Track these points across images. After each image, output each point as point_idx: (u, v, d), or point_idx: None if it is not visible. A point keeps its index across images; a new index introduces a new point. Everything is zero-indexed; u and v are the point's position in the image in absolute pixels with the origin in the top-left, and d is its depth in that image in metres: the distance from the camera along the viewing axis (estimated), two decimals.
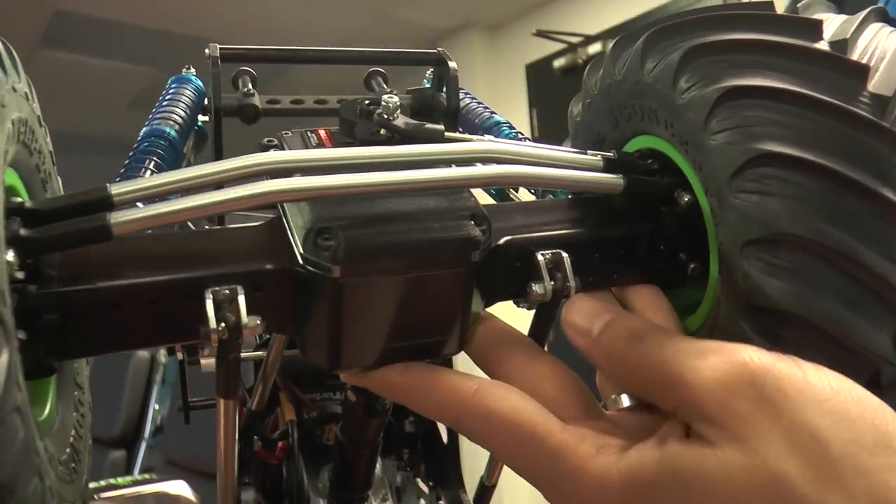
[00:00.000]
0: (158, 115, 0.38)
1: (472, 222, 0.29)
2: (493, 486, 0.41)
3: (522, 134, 0.41)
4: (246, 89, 0.41)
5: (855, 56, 0.32)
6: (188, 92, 0.41)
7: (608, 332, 0.30)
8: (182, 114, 0.39)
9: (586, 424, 0.29)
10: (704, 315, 0.33)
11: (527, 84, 3.61)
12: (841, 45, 0.31)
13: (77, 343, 0.27)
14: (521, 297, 0.32)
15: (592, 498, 0.27)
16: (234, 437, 0.31)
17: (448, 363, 0.36)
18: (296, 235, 0.28)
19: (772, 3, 0.33)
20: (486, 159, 0.31)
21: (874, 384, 0.30)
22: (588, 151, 0.34)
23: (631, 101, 0.34)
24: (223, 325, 0.26)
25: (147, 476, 1.61)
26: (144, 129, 0.37)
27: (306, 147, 0.34)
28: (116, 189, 0.26)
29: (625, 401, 0.31)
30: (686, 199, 0.32)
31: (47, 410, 0.28)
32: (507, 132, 0.41)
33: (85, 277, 0.26)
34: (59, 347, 0.26)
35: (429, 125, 0.32)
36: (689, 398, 0.26)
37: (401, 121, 0.32)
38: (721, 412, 0.25)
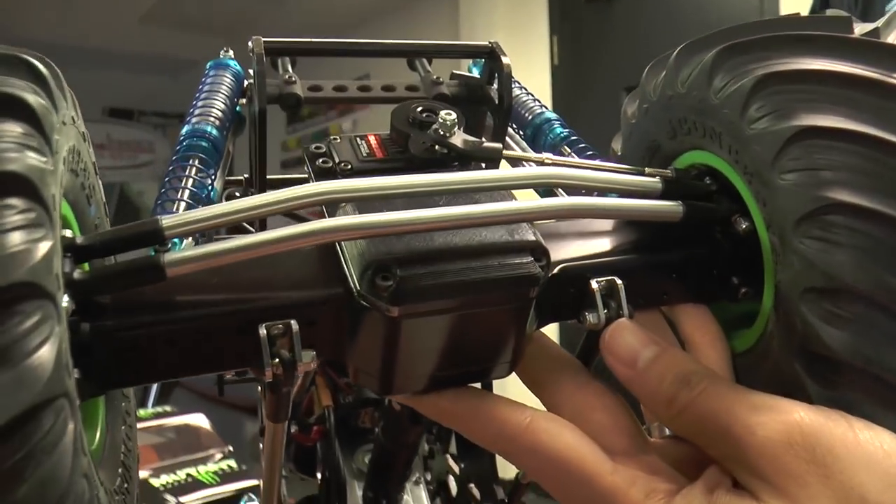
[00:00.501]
0: (198, 111, 0.37)
1: (532, 258, 0.28)
2: (529, 484, 0.42)
3: (574, 133, 0.39)
4: (287, 76, 0.39)
5: None
6: (227, 80, 0.40)
7: (654, 368, 0.29)
8: (222, 106, 0.38)
9: (635, 462, 0.29)
10: (754, 340, 0.33)
11: (548, 10, 3.52)
12: None
13: (129, 375, 0.27)
14: (573, 319, 0.31)
15: None
16: (280, 457, 0.32)
17: None
18: (352, 269, 0.27)
19: (850, 19, 0.31)
20: (551, 184, 0.30)
21: None
22: (646, 170, 0.33)
23: (693, 116, 0.33)
24: (277, 360, 0.26)
25: (167, 409, 1.65)
26: (185, 127, 0.36)
27: (356, 155, 0.33)
28: (167, 222, 0.26)
29: (668, 431, 0.31)
30: (744, 227, 0.31)
31: (98, 435, 0.28)
32: (558, 131, 0.40)
33: (137, 313, 0.26)
34: (111, 380, 0.26)
35: (487, 144, 0.31)
36: (740, 454, 0.26)
37: (458, 138, 0.31)
38: (773, 471, 0.25)
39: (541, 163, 0.33)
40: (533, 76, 3.61)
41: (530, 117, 0.41)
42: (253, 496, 0.65)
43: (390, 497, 0.44)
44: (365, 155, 0.33)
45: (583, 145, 0.39)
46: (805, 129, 0.28)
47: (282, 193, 0.27)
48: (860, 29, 0.32)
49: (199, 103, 0.38)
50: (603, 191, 0.32)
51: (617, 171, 0.33)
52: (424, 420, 0.37)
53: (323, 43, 0.37)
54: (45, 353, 0.19)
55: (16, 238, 0.20)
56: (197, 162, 0.34)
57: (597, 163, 0.35)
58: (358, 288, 0.27)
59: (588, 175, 0.31)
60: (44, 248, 0.20)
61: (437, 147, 0.31)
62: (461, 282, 0.27)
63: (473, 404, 0.30)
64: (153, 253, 0.27)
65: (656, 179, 0.32)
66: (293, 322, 0.26)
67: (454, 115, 0.31)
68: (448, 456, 0.51)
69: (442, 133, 0.31)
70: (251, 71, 0.40)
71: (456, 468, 0.49)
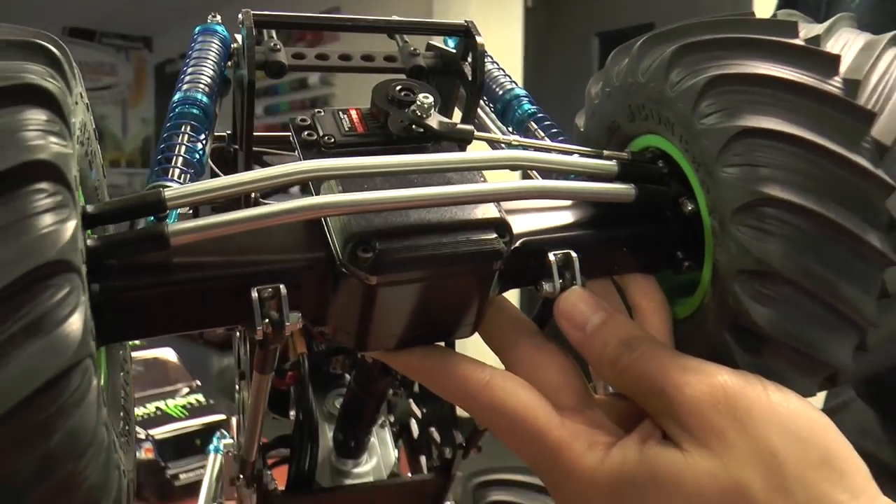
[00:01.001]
0: (188, 77, 0.39)
1: (496, 234, 0.31)
2: (485, 430, 0.46)
3: (540, 110, 0.42)
4: (272, 44, 0.41)
5: (866, 95, 0.33)
6: (215, 45, 0.41)
7: (601, 332, 0.33)
8: (210, 73, 0.40)
9: (581, 417, 0.32)
10: (693, 309, 0.36)
11: None
12: (853, 86, 0.32)
13: (131, 330, 0.30)
14: (531, 286, 0.35)
15: (583, 489, 0.31)
16: (264, 404, 0.35)
17: None
18: (335, 240, 0.30)
19: (796, 24, 0.34)
20: (517, 166, 0.33)
21: (831, 381, 0.35)
22: (604, 153, 0.36)
23: (650, 105, 0.36)
24: (267, 320, 0.29)
25: (136, 343, 1.67)
26: (177, 94, 0.38)
27: (338, 128, 0.35)
28: (169, 194, 0.28)
29: (612, 388, 0.35)
30: (690, 209, 0.35)
31: (102, 383, 0.31)
32: (526, 107, 0.42)
33: (141, 276, 0.29)
34: (115, 334, 0.29)
35: (460, 126, 0.34)
36: (671, 410, 0.30)
37: (434, 119, 0.34)
38: (698, 426, 0.29)
39: (509, 144, 0.36)
40: (506, 19, 3.58)
41: (501, 92, 0.44)
42: (225, 433, 0.68)
43: (358, 439, 0.48)
44: (347, 129, 0.35)
45: (548, 122, 0.42)
46: (747, 129, 0.31)
47: (276, 170, 0.29)
48: (805, 32, 0.35)
49: (189, 69, 0.39)
50: (564, 173, 0.35)
51: (578, 153, 0.36)
52: (393, 371, 0.41)
53: (308, 17, 0.39)
54: (75, 322, 0.22)
55: (47, 220, 0.22)
56: (189, 129, 0.37)
57: (560, 145, 0.38)
58: (340, 258, 0.30)
59: (551, 158, 0.34)
60: (70, 227, 0.23)
61: (413, 126, 0.34)
62: (433, 255, 0.30)
63: (439, 362, 0.33)
64: (151, 220, 0.29)
65: (613, 163, 0.35)
66: (282, 286, 0.29)
67: (431, 98, 0.34)
68: (410, 400, 0.55)
69: (419, 114, 0.34)
70: (237, 36, 0.42)
71: (418, 412, 0.53)
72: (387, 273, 0.29)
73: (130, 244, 0.27)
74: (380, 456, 0.50)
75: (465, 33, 0.41)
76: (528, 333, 0.35)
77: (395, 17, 0.41)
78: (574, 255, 0.34)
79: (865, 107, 0.32)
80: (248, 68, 0.36)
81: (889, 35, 0.36)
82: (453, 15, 3.62)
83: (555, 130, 0.41)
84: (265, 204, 0.29)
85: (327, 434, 0.49)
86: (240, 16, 0.38)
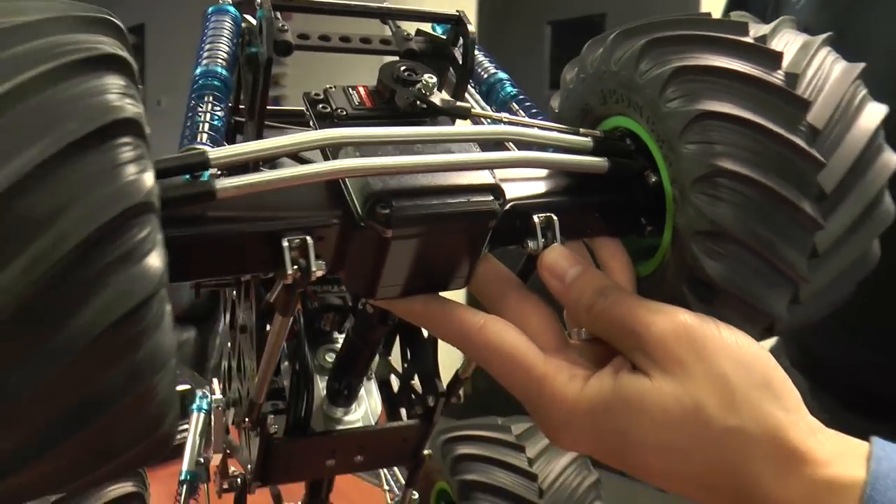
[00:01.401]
0: (206, 53, 0.43)
1: (492, 197, 0.36)
2: (467, 379, 0.51)
3: (522, 92, 0.47)
4: (280, 24, 0.45)
5: (803, 87, 0.39)
6: (227, 24, 0.45)
7: (578, 282, 0.39)
8: (226, 49, 0.44)
9: (562, 356, 0.38)
10: (654, 267, 0.42)
11: None
12: (792, 79, 0.38)
13: (177, 273, 0.34)
14: (517, 245, 0.40)
15: (566, 415, 0.36)
16: (281, 345, 0.39)
17: None
18: (354, 198, 0.35)
19: (746, 25, 0.40)
20: (506, 139, 0.38)
21: (769, 331, 0.41)
22: (580, 130, 0.42)
23: (621, 90, 0.41)
24: (296, 267, 0.33)
25: None
26: (198, 68, 0.41)
27: (349, 103, 0.40)
28: (213, 154, 0.32)
29: (584, 334, 0.41)
30: (653, 180, 0.40)
31: None
32: (508, 89, 0.47)
33: (188, 225, 0.33)
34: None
35: (459, 104, 0.39)
36: (639, 345, 0.36)
37: (436, 97, 0.38)
38: (663, 357, 0.35)
39: (499, 121, 0.41)
40: (460, 4, 3.62)
41: (485, 76, 0.49)
42: (206, 392, 0.72)
43: (352, 387, 0.53)
44: (357, 104, 0.40)
45: (528, 103, 0.47)
46: (705, 112, 0.36)
47: (307, 136, 0.34)
48: (754, 31, 0.41)
49: (206, 46, 0.43)
50: (546, 147, 0.40)
51: (558, 130, 0.42)
52: (391, 321, 0.45)
53: (315, 3, 0.43)
54: (156, 256, 0.26)
55: (132, 169, 0.26)
56: (212, 99, 0.41)
57: (543, 122, 0.43)
58: (360, 213, 0.34)
59: (536, 133, 0.39)
60: (150, 176, 0.27)
61: (418, 102, 0.39)
62: (439, 213, 0.35)
63: (440, 308, 0.38)
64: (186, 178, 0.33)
65: (588, 139, 0.40)
66: (308, 237, 0.34)
67: (435, 79, 0.38)
68: (389, 359, 0.60)
69: (424, 92, 0.38)
70: (248, 17, 0.46)
71: (399, 369, 0.58)
72: (400, 227, 0.34)
73: (186, 197, 0.32)
74: (367, 405, 0.55)
75: (458, 22, 0.45)
76: (514, 286, 0.40)
77: (389, 5, 0.45)
78: (555, 217, 0.39)
79: (802, 96, 0.38)
80: (267, 46, 0.40)
81: (823, 36, 0.42)
82: None
83: (535, 111, 0.46)
84: (293, 165, 0.34)
85: (319, 384, 0.53)
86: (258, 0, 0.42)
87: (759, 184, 0.36)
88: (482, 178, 0.37)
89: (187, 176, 0.34)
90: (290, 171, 0.33)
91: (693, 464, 0.34)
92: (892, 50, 0.74)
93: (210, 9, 0.47)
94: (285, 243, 0.34)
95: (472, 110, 0.39)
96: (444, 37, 0.47)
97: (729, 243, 0.37)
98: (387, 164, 0.34)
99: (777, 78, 0.38)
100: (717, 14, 0.47)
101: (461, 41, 0.46)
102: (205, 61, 0.42)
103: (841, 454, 0.33)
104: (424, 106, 0.39)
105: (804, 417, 0.34)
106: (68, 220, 0.25)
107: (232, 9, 0.47)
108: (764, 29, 0.42)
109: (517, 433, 0.74)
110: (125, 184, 0.26)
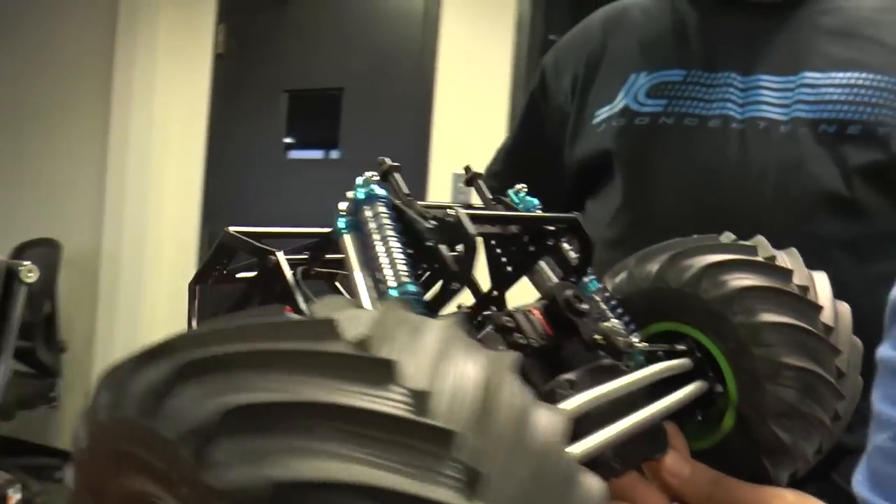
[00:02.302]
0: (388, 269, 0.40)
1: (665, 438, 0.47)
2: None
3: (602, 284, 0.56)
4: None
5: (812, 295, 0.55)
6: (386, 214, 0.42)
7: (694, 477, 0.49)
8: (404, 258, 0.40)
9: None
10: (709, 444, 0.53)
11: None
12: (804, 290, 0.53)
13: None
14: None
15: None
16: None
17: None
18: None
19: (755, 249, 0.55)
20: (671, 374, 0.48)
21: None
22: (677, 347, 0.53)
23: (680, 303, 0.53)
24: None
25: None
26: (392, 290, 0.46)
27: (535, 331, 0.44)
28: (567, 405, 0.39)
29: None
30: (719, 390, 0.53)
31: None
32: (594, 283, 0.55)
33: None
34: None
35: (636, 343, 0.48)
36: None
37: (620, 339, 0.46)
38: None
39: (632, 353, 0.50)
40: (195, 62, 3.54)
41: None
42: None
43: None
44: (541, 331, 0.44)
45: (608, 294, 0.55)
46: (768, 322, 0.50)
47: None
48: (763, 252, 0.55)
49: (381, 259, 0.39)
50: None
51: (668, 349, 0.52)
52: None
53: (488, 215, 0.47)
54: None
55: None
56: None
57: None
58: None
59: (673, 364, 0.50)
60: None
61: (598, 337, 0.46)
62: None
63: None
64: None
65: (688, 361, 0.51)
66: None
67: (619, 323, 0.47)
68: None
69: (617, 337, 0.46)
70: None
71: None
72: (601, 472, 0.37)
73: None
74: None
75: (575, 227, 0.50)
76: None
77: (508, 213, 0.50)
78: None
79: (816, 302, 0.53)
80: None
81: (793, 251, 0.59)
82: (140, 48, 3.47)
83: (614, 302, 0.55)
84: None
85: None
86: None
87: (811, 372, 0.50)
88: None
89: None
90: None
91: None
92: (679, 182, 0.92)
93: (361, 194, 0.42)
94: None
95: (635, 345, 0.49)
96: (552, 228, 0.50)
97: (796, 418, 0.51)
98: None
99: (792, 289, 0.53)
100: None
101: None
102: (392, 282, 0.38)
103: None
104: (604, 342, 0.46)
105: None
106: None
107: (380, 190, 0.42)
108: (770, 250, 0.56)
109: None
110: None
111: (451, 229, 0.40)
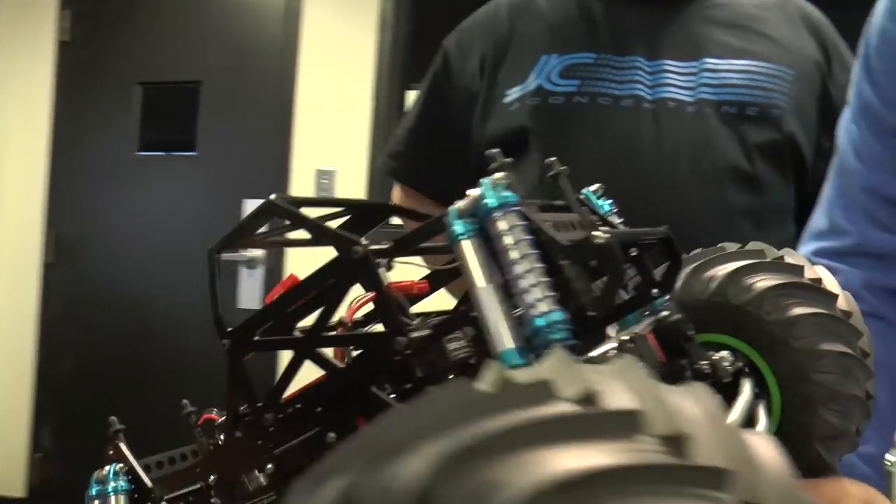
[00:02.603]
0: (536, 295, 0.38)
1: None
2: None
3: None
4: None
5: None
6: (524, 232, 0.39)
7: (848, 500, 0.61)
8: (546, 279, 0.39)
9: None
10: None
11: None
12: (847, 314, 0.66)
13: None
14: None
15: None
16: None
17: None
18: None
19: (802, 268, 0.68)
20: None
21: None
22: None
23: (736, 320, 0.65)
24: None
25: None
26: (538, 320, 0.39)
27: (653, 359, 0.46)
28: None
29: None
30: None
31: None
32: None
33: None
34: None
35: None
36: None
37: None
38: None
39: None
40: (35, 50, 3.26)
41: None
42: None
43: None
44: (657, 360, 0.45)
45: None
46: (825, 350, 0.63)
47: None
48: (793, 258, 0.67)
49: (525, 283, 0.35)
50: None
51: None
52: None
53: None
54: None
55: None
56: None
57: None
58: None
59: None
60: None
61: (704, 364, 0.50)
62: None
63: None
64: None
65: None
66: None
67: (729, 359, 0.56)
68: None
69: (718, 366, 0.54)
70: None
71: None
72: None
73: None
74: None
75: (667, 241, 0.47)
76: None
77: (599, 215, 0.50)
78: None
79: (856, 326, 0.66)
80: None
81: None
82: None
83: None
84: None
85: None
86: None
87: (847, 354, 0.62)
88: None
89: None
90: None
91: None
92: (598, 157, 0.95)
93: (492, 204, 0.38)
94: None
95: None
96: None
97: (844, 401, 0.64)
98: None
99: (840, 312, 0.65)
100: None
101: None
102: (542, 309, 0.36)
103: None
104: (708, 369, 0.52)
105: None
106: None
107: (512, 196, 0.39)
108: (802, 259, 0.68)
109: None
110: None
111: (594, 252, 0.39)
